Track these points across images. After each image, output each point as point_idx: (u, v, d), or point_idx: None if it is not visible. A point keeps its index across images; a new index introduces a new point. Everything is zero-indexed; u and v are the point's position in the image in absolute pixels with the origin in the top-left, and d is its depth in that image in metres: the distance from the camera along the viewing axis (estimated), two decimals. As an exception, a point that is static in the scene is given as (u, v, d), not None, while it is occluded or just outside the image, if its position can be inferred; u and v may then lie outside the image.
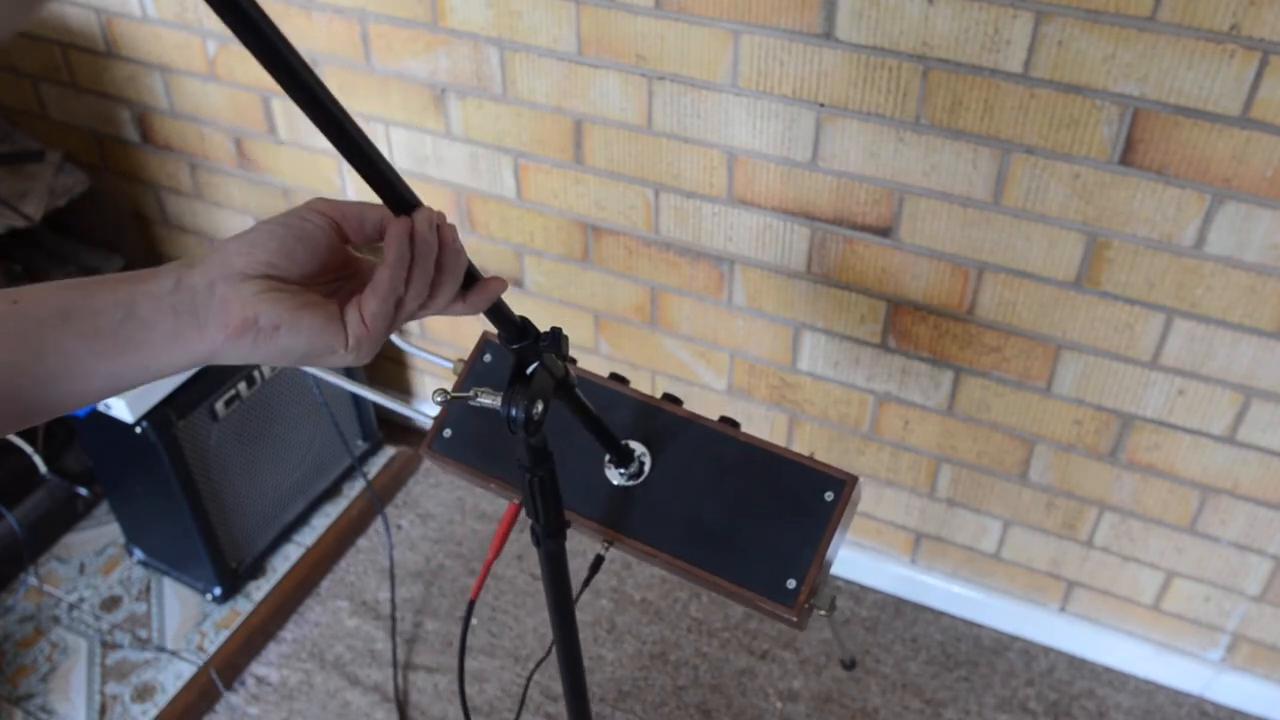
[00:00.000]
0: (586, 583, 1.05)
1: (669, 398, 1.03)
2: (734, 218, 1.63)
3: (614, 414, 1.02)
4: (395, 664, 1.86)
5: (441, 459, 1.08)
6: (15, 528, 1.97)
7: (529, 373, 0.75)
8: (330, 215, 0.65)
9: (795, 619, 0.93)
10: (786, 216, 1.59)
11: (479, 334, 1.14)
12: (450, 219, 1.91)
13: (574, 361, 1.07)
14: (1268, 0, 1.16)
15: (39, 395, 0.59)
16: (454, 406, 1.06)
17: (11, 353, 0.57)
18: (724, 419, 1.01)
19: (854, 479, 0.95)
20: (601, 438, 0.95)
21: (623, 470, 1.00)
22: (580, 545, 2.07)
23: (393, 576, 2.01)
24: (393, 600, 1.96)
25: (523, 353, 0.75)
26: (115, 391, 0.61)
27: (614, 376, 1.06)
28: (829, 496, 0.95)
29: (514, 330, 0.73)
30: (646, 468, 1.00)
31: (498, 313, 0.72)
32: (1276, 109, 1.22)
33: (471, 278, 0.69)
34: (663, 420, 1.01)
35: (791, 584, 0.94)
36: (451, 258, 0.65)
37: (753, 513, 0.97)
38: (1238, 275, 1.36)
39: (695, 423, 1.00)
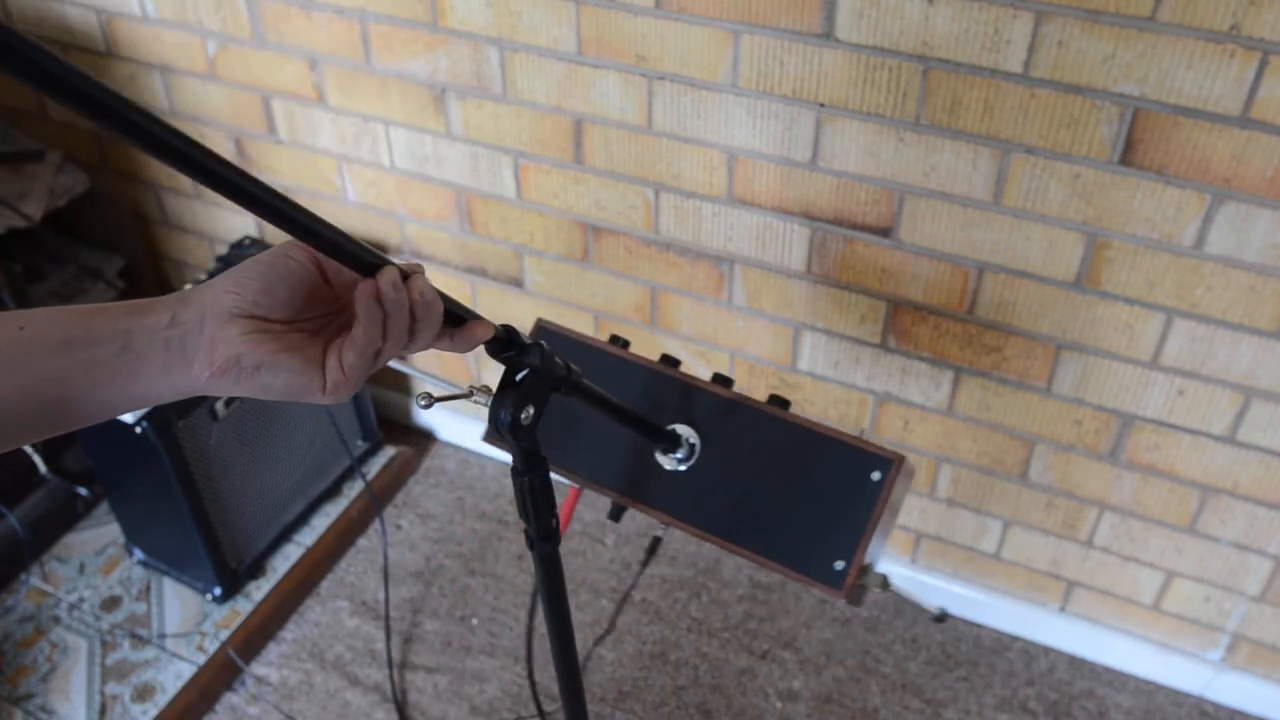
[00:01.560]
0: (645, 564, 1.06)
1: (719, 379, 1.02)
2: (734, 218, 1.63)
3: (663, 397, 1.02)
4: (390, 663, 1.86)
5: (502, 445, 1.09)
6: (16, 527, 1.97)
7: (518, 379, 0.75)
8: (311, 254, 0.66)
9: (844, 599, 0.93)
10: (786, 216, 1.59)
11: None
12: (450, 219, 1.92)
13: (627, 344, 1.07)
14: (1268, 0, 1.16)
15: (37, 420, 0.62)
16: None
17: (16, 378, 0.60)
18: (774, 398, 1.00)
19: (900, 458, 0.94)
20: (636, 427, 0.96)
21: (673, 455, 1.00)
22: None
23: (387, 577, 2.01)
24: (386, 601, 1.96)
25: (510, 361, 0.75)
26: (107, 417, 0.64)
27: (665, 359, 1.06)
28: (876, 476, 0.94)
29: (499, 343, 0.73)
30: (696, 451, 1.00)
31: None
32: (1276, 109, 1.22)
33: (459, 317, 0.70)
34: (712, 403, 1.01)
35: (840, 565, 0.94)
36: (423, 310, 0.66)
37: (802, 494, 0.96)
38: (1238, 275, 1.36)
39: (744, 405, 1.00)
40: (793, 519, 0.96)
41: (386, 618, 1.93)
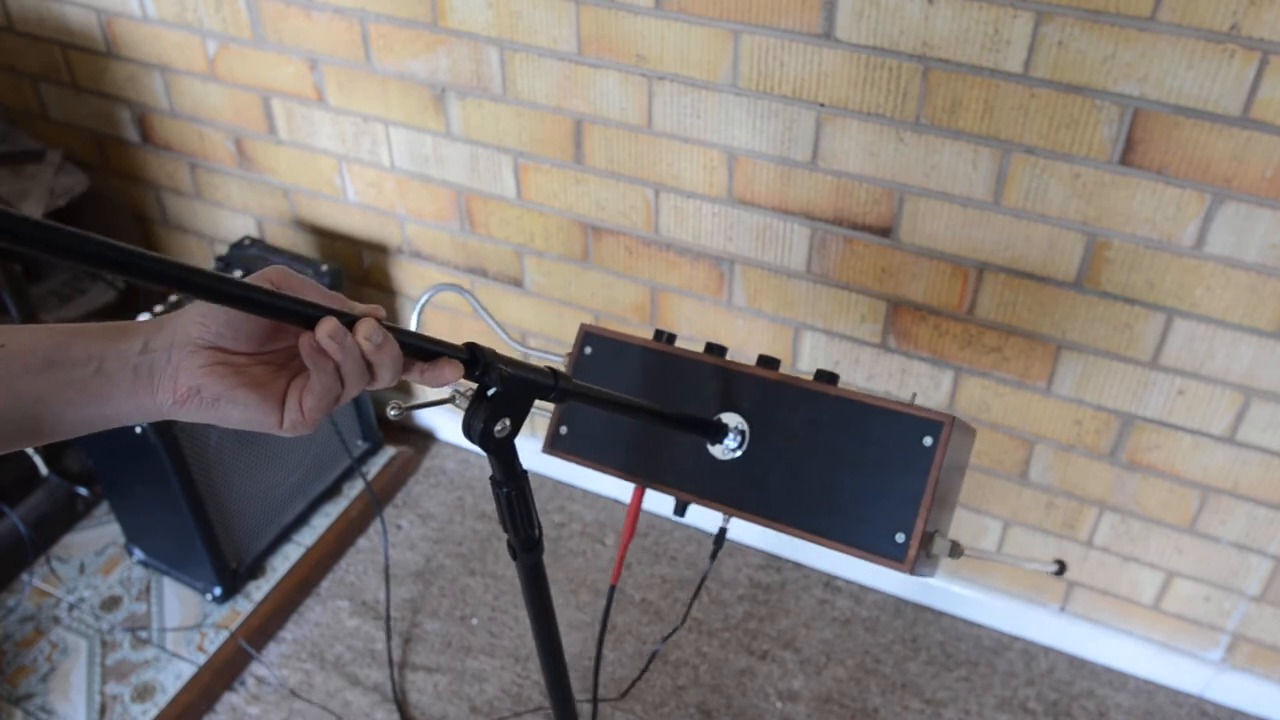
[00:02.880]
0: (714, 556, 1.07)
1: (764, 361, 1.02)
2: (734, 218, 1.63)
3: (710, 387, 1.03)
4: (391, 663, 1.86)
5: (562, 455, 1.10)
6: (19, 526, 1.97)
7: (490, 395, 0.75)
8: (281, 288, 0.66)
9: (910, 571, 0.92)
10: (786, 216, 1.59)
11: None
12: (450, 219, 1.92)
13: (673, 338, 1.06)
14: (1268, 0, 1.16)
15: (12, 434, 0.64)
16: (563, 406, 1.07)
17: None
18: (821, 373, 1.00)
19: (949, 419, 0.93)
20: (673, 424, 0.96)
21: (724, 444, 1.00)
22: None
23: (388, 577, 2.01)
24: (387, 600, 1.96)
25: (480, 380, 0.75)
26: (77, 434, 0.66)
27: (710, 348, 1.05)
28: (928, 442, 0.93)
29: (467, 365, 0.73)
30: (747, 438, 1.00)
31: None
32: (1276, 109, 1.22)
33: (431, 352, 0.70)
34: (758, 387, 1.01)
35: (900, 538, 0.93)
36: (375, 353, 0.66)
37: (856, 469, 0.96)
38: (1238, 275, 1.36)
39: (790, 385, 0.99)
40: (849, 496, 0.96)
41: (388, 618, 1.93)
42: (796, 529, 0.98)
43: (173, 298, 1.82)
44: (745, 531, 2.04)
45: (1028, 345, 1.55)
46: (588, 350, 1.11)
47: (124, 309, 2.15)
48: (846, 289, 1.62)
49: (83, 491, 2.08)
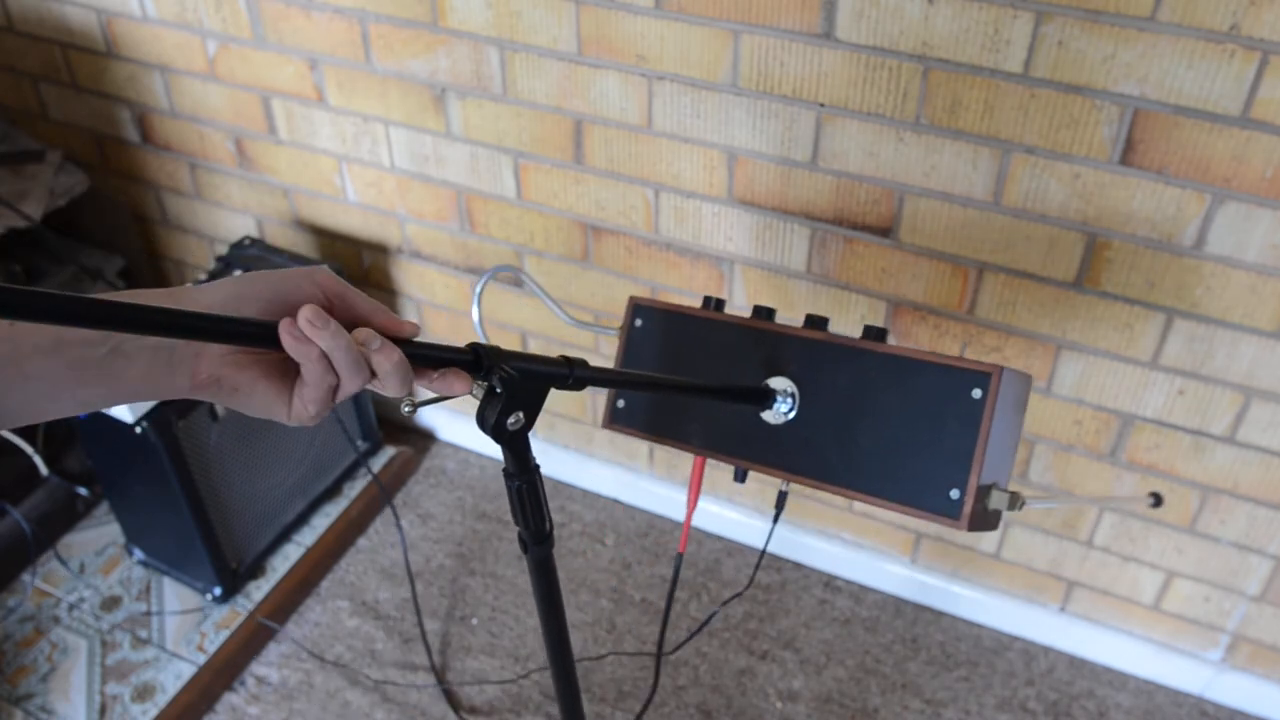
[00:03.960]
0: (776, 519, 1.07)
1: (812, 321, 1.01)
2: (734, 218, 1.63)
3: (758, 351, 1.02)
4: (429, 650, 1.86)
5: (621, 429, 1.10)
6: (22, 523, 1.97)
7: (498, 390, 0.75)
8: (327, 292, 0.67)
9: (966, 528, 0.91)
10: (786, 216, 1.59)
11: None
12: (450, 219, 1.92)
13: (721, 304, 1.07)
14: (1268, 0, 1.16)
15: (13, 411, 0.63)
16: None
17: (5, 373, 0.61)
18: (869, 329, 0.98)
19: (998, 369, 0.91)
20: (715, 395, 0.95)
21: (775, 409, 1.00)
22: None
23: (408, 564, 2.01)
24: (413, 587, 1.96)
25: (485, 379, 0.75)
26: (84, 411, 0.66)
27: (758, 312, 1.05)
28: (977, 394, 0.91)
29: (471, 366, 0.73)
30: (797, 401, 1.00)
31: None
32: (1276, 109, 1.22)
33: (439, 359, 0.71)
34: (806, 348, 1.00)
35: (955, 494, 0.91)
36: (375, 357, 0.66)
37: (907, 426, 0.95)
38: (1238, 275, 1.36)
39: (836, 344, 0.98)
40: (902, 453, 0.95)
41: (417, 609, 1.93)
42: (850, 490, 0.97)
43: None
44: (745, 531, 2.04)
45: (1028, 345, 1.55)
46: (638, 322, 1.11)
47: (124, 309, 2.15)
48: (846, 289, 1.62)
49: (83, 491, 2.08)
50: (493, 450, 2.22)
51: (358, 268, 2.08)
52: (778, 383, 1.01)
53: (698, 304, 1.10)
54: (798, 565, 2.02)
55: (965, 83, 1.35)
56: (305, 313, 0.63)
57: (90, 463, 1.99)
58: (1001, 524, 1.78)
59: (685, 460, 2.02)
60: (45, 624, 1.91)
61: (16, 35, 2.09)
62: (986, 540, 1.82)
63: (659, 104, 1.56)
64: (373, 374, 0.67)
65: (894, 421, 0.95)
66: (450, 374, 0.71)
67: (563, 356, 0.80)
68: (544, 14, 1.55)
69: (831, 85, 1.43)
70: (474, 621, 1.93)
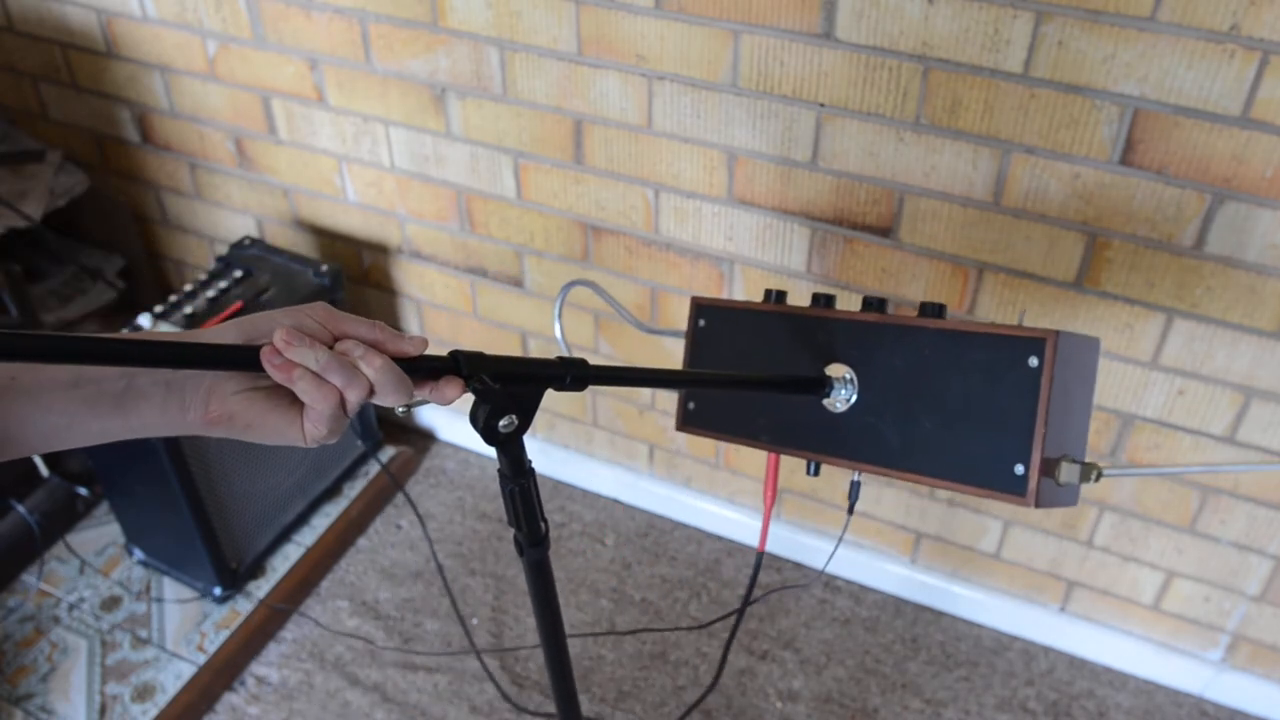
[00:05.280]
0: (850, 510, 1.06)
1: (869, 304, 0.99)
2: (734, 218, 1.63)
3: (817, 341, 1.01)
4: (472, 639, 1.86)
5: (695, 430, 1.10)
6: (28, 519, 1.96)
7: (496, 385, 0.75)
8: (326, 325, 0.68)
9: (1034, 504, 0.87)
10: (786, 216, 1.59)
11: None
12: (450, 219, 1.92)
13: (782, 296, 1.07)
14: (1268, 0, 1.16)
15: (32, 441, 0.66)
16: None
17: (21, 406, 0.65)
18: (926, 306, 0.96)
19: (1053, 334, 0.86)
20: (769, 388, 0.94)
21: (836, 397, 0.99)
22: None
23: (431, 545, 2.01)
24: (440, 569, 1.96)
25: (468, 385, 0.75)
26: (103, 441, 0.68)
27: (816, 300, 1.03)
28: (1033, 362, 0.87)
29: (458, 373, 0.74)
30: (856, 387, 0.98)
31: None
32: (1276, 109, 1.22)
33: (437, 369, 0.73)
34: (862, 332, 0.98)
35: (1019, 469, 0.87)
36: (369, 370, 0.68)
37: (966, 403, 0.91)
38: (1238, 275, 1.36)
39: (889, 325, 0.96)
40: (964, 432, 0.91)
41: (452, 599, 1.93)
42: (915, 474, 0.94)
43: (172, 298, 1.83)
44: (746, 531, 2.04)
45: (1028, 345, 1.55)
46: (701, 322, 1.10)
47: (124, 309, 2.16)
48: (847, 289, 1.62)
49: (83, 491, 2.08)
50: (493, 451, 2.22)
51: (358, 268, 2.08)
52: (835, 370, 0.99)
53: (758, 299, 1.08)
54: (798, 565, 2.02)
55: (965, 83, 1.35)
56: (279, 334, 0.65)
57: (90, 463, 1.99)
58: (1000, 525, 1.78)
59: (685, 460, 2.02)
60: (45, 624, 1.91)
61: (16, 35, 2.09)
62: (986, 540, 1.82)
63: (659, 104, 1.56)
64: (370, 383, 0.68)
65: (953, 400, 0.92)
66: (444, 382, 0.73)
67: (559, 358, 0.80)
68: (544, 14, 1.55)
69: (831, 85, 1.43)
70: (474, 621, 1.93)
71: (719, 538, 2.07)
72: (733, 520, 2.04)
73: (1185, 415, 1.52)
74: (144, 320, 1.75)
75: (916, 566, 1.93)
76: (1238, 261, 1.35)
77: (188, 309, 1.80)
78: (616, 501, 2.15)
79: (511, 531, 0.87)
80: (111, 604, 1.95)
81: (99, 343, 0.58)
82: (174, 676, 1.82)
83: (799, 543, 2.00)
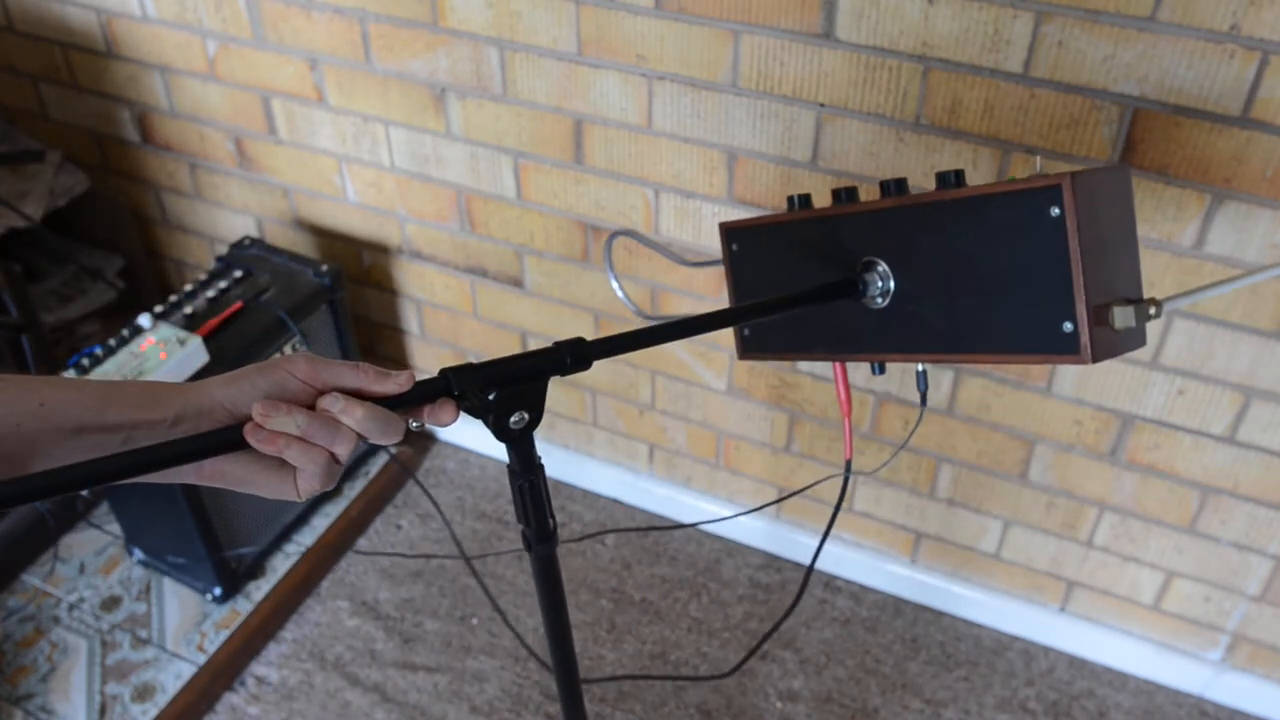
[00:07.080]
0: (915, 429, 1.05)
1: (887, 188, 0.95)
2: (734, 218, 1.63)
3: (844, 238, 0.98)
4: (499, 612, 1.86)
5: (755, 356, 1.09)
6: (39, 506, 1.96)
7: (490, 398, 0.75)
8: (310, 380, 0.69)
9: (1092, 360, 0.82)
10: (786, 216, 1.59)
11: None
12: (450, 219, 1.92)
13: (807, 199, 1.04)
14: (1268, 0, 1.16)
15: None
16: (746, 319, 1.05)
17: (22, 448, 0.66)
18: (942, 177, 0.91)
19: (1067, 177, 0.81)
20: (804, 302, 0.93)
21: (872, 292, 0.96)
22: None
23: (450, 528, 2.01)
24: (459, 544, 1.96)
25: (461, 403, 0.75)
26: (110, 483, 0.69)
27: (838, 196, 1.00)
28: (1055, 212, 0.82)
29: (448, 393, 0.75)
30: (891, 277, 0.95)
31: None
32: (1276, 109, 1.22)
33: (429, 393, 0.73)
34: (888, 220, 0.95)
35: (1068, 327, 0.83)
36: (351, 421, 0.69)
37: (999, 270, 0.87)
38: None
39: (910, 206, 0.93)
40: (1005, 301, 0.87)
41: (482, 586, 1.93)
42: (965, 354, 0.91)
43: (172, 297, 1.83)
44: (745, 531, 2.04)
45: (1028, 345, 1.55)
46: (734, 247, 1.08)
47: (124, 309, 2.16)
48: (846, 289, 1.62)
49: (83, 491, 2.08)
50: (492, 450, 2.22)
51: (358, 268, 2.08)
52: (866, 264, 0.96)
53: (783, 209, 1.05)
54: (798, 565, 2.02)
55: (965, 83, 1.35)
56: (256, 408, 0.67)
57: (90, 463, 1.98)
58: (1000, 525, 1.78)
59: (685, 460, 2.02)
60: (45, 624, 1.91)
61: (16, 35, 2.10)
62: (986, 540, 1.82)
63: (659, 104, 1.56)
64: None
65: (986, 270, 0.87)
66: (439, 406, 0.74)
67: (555, 343, 0.79)
68: (544, 14, 1.55)
69: (831, 85, 1.43)
70: (474, 621, 1.93)
71: (719, 538, 2.07)
72: (733, 520, 2.04)
73: (1185, 415, 1.52)
74: (144, 320, 1.75)
75: (916, 566, 1.93)
76: (1238, 261, 1.35)
77: (188, 309, 1.80)
78: (616, 501, 2.15)
79: (512, 531, 0.87)
80: (111, 604, 1.95)
81: (95, 464, 0.63)
82: (174, 676, 1.82)
83: (799, 543, 2.00)
